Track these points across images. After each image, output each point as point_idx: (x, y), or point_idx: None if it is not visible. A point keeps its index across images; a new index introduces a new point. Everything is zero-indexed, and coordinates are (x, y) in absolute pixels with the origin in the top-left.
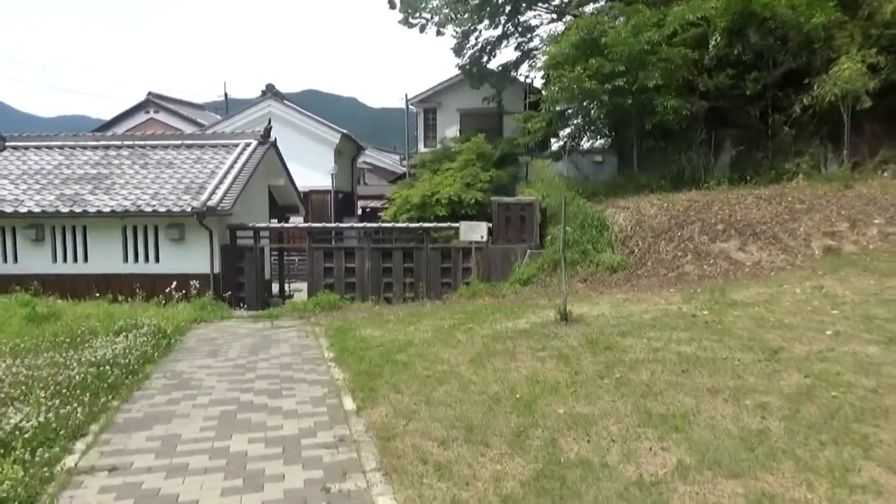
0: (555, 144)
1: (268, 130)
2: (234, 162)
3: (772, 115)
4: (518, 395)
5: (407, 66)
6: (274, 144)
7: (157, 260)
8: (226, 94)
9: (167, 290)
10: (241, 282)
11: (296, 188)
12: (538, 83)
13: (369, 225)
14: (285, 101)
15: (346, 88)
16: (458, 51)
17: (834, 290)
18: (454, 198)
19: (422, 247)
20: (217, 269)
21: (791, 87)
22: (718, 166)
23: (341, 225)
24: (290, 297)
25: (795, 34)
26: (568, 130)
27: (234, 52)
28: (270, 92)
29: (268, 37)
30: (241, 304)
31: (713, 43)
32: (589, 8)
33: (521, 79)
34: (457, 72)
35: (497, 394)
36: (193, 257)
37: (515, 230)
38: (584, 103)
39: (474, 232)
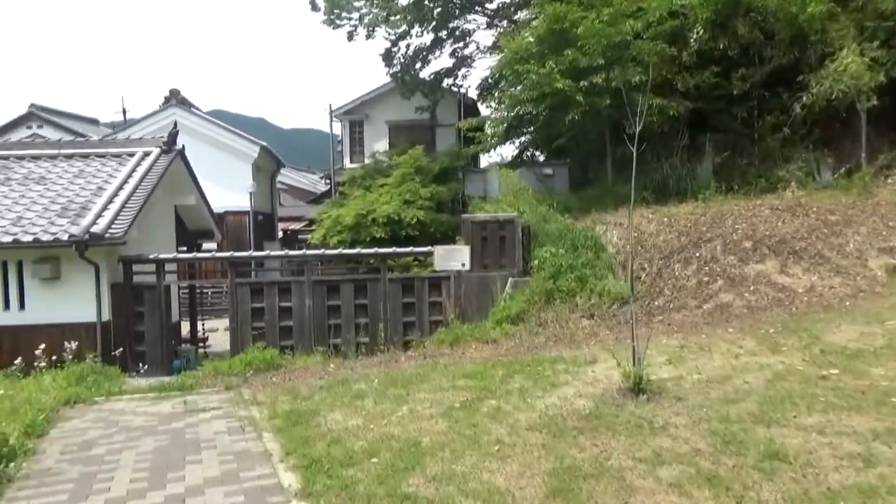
0: (489, 158)
1: (173, 136)
2: (129, 175)
3: (758, 117)
4: None
5: (316, 85)
6: (181, 154)
7: (21, 307)
8: (124, 110)
9: (37, 351)
10: (139, 331)
11: (209, 208)
12: (473, 94)
13: (309, 252)
14: (193, 110)
15: (255, 108)
16: (387, 58)
17: None
18: (393, 216)
19: (378, 278)
20: (106, 317)
21: (781, 86)
22: (700, 175)
23: (274, 253)
24: (205, 340)
25: (785, 27)
26: (522, 139)
27: (134, 68)
28: (175, 98)
29: (171, 53)
30: (140, 364)
31: (695, 36)
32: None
33: (455, 89)
34: (383, 82)
35: None
36: (73, 302)
37: (493, 254)
38: (545, 109)
39: (454, 258)
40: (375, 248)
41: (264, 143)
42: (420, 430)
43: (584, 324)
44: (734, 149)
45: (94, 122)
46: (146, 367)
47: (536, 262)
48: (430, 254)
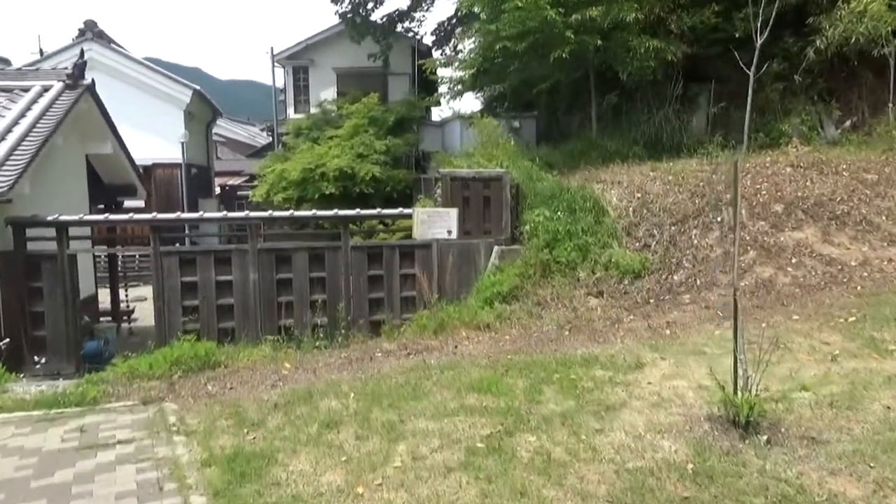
0: (441, 113)
1: (80, 67)
2: (22, 115)
3: (758, 64)
4: None
5: (256, 34)
6: (91, 90)
7: None
8: (41, 51)
9: None
10: (37, 312)
11: (130, 158)
12: (428, 41)
13: (254, 214)
14: (114, 46)
15: (190, 58)
16: None
17: None
18: (346, 171)
19: (338, 246)
20: None
21: (787, 30)
22: (694, 128)
23: (209, 215)
24: (131, 312)
25: None
26: (489, 87)
27: (57, 8)
28: (91, 31)
29: None
30: (39, 357)
31: None
32: None
33: (410, 35)
34: (330, 25)
35: None
36: None
37: (477, 218)
38: (525, 49)
39: (438, 224)
40: (335, 210)
41: (198, 87)
42: (437, 498)
43: (593, 303)
44: (730, 100)
45: (5, 61)
46: (45, 359)
47: (528, 227)
48: (401, 216)
